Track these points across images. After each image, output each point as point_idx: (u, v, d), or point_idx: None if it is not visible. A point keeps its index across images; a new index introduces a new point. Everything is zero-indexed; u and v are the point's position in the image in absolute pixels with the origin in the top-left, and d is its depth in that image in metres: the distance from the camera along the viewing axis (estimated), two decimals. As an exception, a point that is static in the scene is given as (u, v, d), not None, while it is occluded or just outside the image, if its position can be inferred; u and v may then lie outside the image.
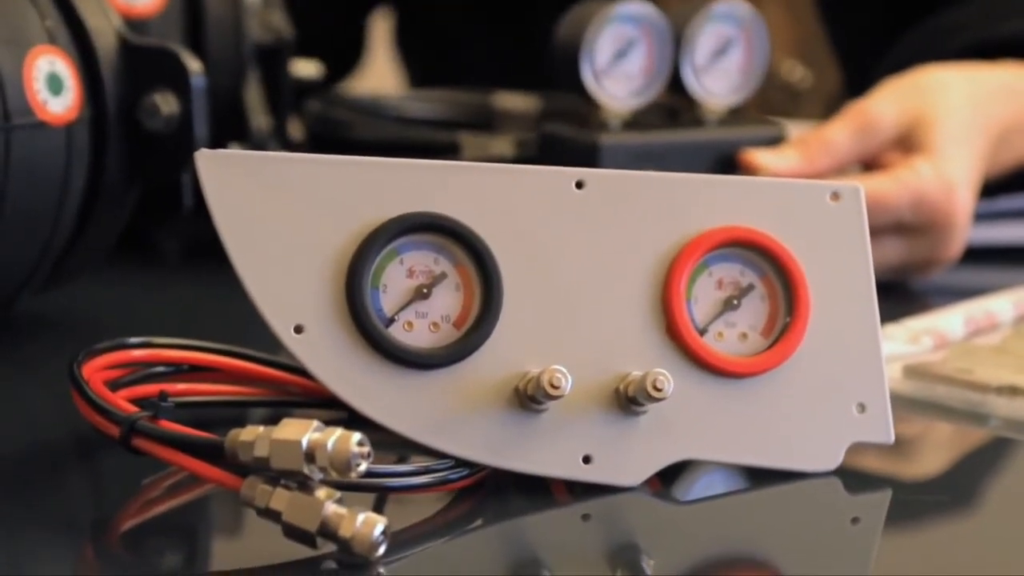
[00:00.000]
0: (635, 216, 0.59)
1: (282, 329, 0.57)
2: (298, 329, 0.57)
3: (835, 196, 0.61)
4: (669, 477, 0.60)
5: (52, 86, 0.71)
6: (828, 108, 1.25)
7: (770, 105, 1.22)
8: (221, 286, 0.91)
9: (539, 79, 1.02)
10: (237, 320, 0.85)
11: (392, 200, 0.58)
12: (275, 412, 0.66)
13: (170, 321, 0.85)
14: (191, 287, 0.92)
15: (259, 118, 0.90)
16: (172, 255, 0.98)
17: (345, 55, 1.34)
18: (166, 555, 0.56)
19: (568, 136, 0.85)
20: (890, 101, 0.90)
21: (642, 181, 0.60)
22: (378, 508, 0.56)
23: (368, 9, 1.36)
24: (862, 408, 0.60)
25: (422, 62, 1.39)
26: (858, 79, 1.23)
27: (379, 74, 1.50)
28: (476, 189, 0.58)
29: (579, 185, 0.59)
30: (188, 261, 0.97)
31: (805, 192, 0.61)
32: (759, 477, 0.60)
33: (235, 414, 0.66)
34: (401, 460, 0.60)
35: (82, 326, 0.82)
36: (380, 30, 1.42)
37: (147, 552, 0.56)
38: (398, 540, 0.53)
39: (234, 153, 0.58)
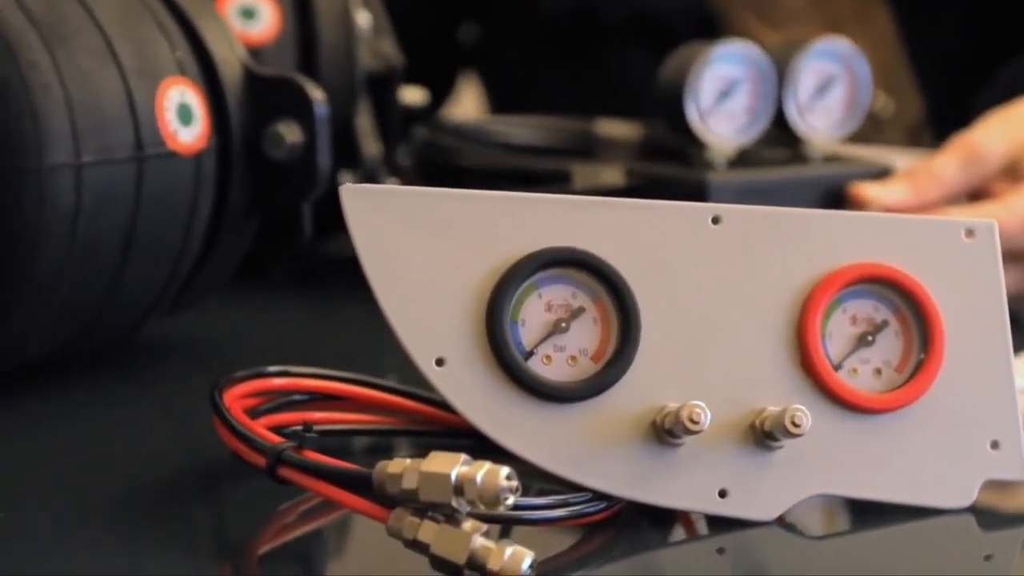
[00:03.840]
0: (770, 252, 0.60)
1: (424, 362, 0.57)
2: (439, 362, 0.57)
3: (969, 233, 0.61)
4: (800, 512, 0.60)
5: (182, 116, 0.72)
6: (910, 136, 1.25)
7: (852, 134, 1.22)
8: (328, 312, 0.93)
9: (610, 104, 1.02)
10: (346, 344, 0.86)
11: (531, 235, 0.58)
12: (397, 441, 0.67)
13: (284, 346, 0.86)
14: (300, 312, 0.93)
15: (370, 145, 0.91)
16: (282, 280, 0.98)
17: (442, 77, 1.35)
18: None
19: (675, 176, 0.86)
20: (996, 132, 0.90)
21: (778, 217, 0.60)
22: (505, 537, 0.57)
23: (456, 22, 1.37)
24: (995, 445, 0.61)
25: (502, 83, 1.40)
26: (941, 107, 1.23)
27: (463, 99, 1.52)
28: (613, 224, 0.59)
29: (715, 220, 0.60)
30: (297, 286, 0.98)
31: (939, 229, 0.61)
32: (892, 513, 0.60)
33: (360, 443, 0.66)
34: (527, 491, 0.61)
35: (198, 351, 0.83)
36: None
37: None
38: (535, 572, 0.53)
39: (378, 188, 0.58)
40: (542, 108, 1.05)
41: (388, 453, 0.55)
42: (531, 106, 1.08)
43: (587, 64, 1.29)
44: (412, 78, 1.00)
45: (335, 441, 0.64)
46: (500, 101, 1.38)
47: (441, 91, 1.35)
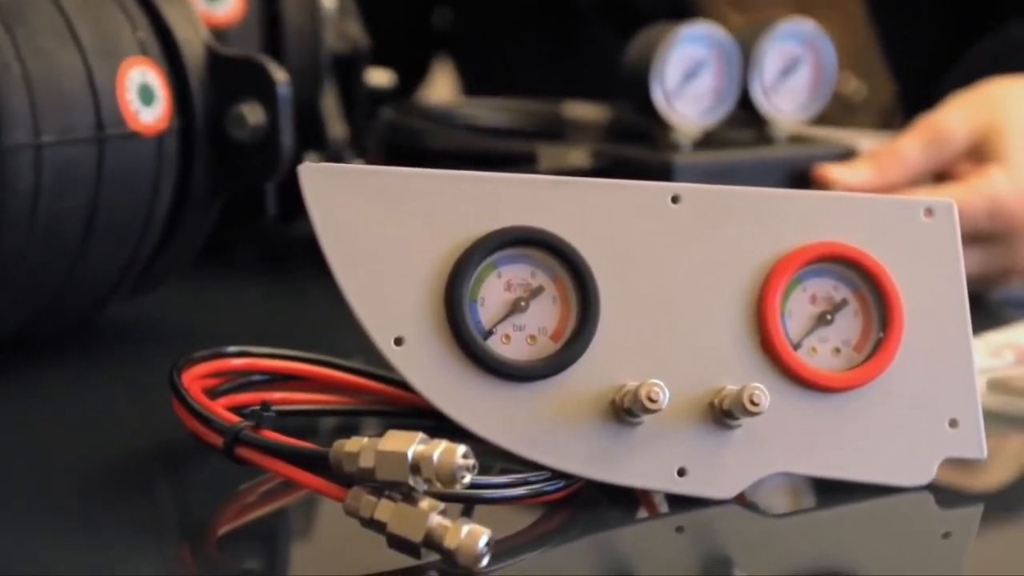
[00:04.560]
0: (730, 231, 0.60)
1: (382, 341, 0.57)
2: (398, 341, 0.57)
3: (929, 212, 0.62)
4: (760, 490, 0.60)
5: (144, 97, 0.72)
6: (882, 120, 1.25)
7: (824, 117, 1.23)
8: (292, 293, 0.93)
9: (582, 88, 1.02)
10: (311, 325, 0.86)
11: (490, 214, 0.58)
12: (359, 421, 0.67)
13: (249, 327, 0.86)
14: (265, 293, 0.93)
15: (335, 127, 0.91)
16: (246, 261, 0.98)
17: (415, 61, 1.35)
18: (266, 563, 0.57)
19: (641, 157, 0.86)
20: (960, 113, 0.91)
21: (737, 196, 0.60)
22: (466, 516, 0.57)
23: (430, 7, 1.37)
24: (954, 423, 0.61)
25: (475, 66, 1.40)
26: (913, 91, 1.23)
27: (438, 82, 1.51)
28: (573, 203, 0.59)
29: (675, 200, 0.60)
30: (261, 267, 0.98)
31: (899, 208, 0.61)
32: (851, 491, 0.60)
33: (321, 424, 0.66)
34: (489, 471, 0.61)
35: (162, 332, 0.82)
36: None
37: (246, 560, 0.57)
38: (494, 550, 0.53)
39: (336, 167, 0.58)
40: (516, 92, 1.05)
41: (349, 433, 0.55)
42: (505, 90, 1.08)
43: (561, 48, 1.29)
44: (386, 62, 1.00)
45: (297, 422, 0.64)
46: (474, 85, 1.38)
47: (414, 75, 1.35)
